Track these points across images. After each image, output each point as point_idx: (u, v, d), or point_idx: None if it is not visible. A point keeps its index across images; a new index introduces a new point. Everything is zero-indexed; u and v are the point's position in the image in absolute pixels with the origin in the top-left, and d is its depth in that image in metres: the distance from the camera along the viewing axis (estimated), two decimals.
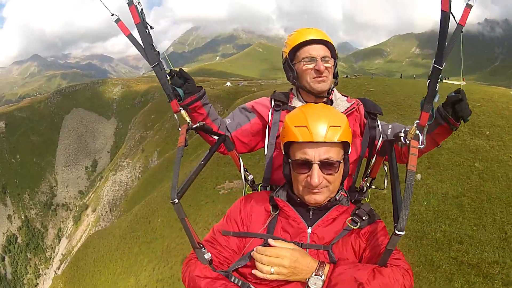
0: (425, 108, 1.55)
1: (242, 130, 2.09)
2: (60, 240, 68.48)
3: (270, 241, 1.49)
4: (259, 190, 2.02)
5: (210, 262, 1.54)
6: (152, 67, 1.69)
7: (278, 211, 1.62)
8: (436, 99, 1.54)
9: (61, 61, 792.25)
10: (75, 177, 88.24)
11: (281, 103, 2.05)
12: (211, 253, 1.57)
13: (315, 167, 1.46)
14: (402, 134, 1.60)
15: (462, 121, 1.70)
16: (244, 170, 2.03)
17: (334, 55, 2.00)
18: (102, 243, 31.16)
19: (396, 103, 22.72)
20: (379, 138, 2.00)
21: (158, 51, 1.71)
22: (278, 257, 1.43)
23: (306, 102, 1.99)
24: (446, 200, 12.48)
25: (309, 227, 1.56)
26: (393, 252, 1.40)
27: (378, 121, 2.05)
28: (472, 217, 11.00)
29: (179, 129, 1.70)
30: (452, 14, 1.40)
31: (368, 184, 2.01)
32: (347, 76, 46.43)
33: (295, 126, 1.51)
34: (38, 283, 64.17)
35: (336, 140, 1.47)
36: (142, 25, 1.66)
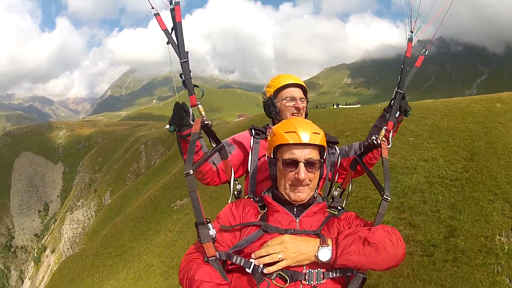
0: (391, 118, 2.09)
1: (225, 162, 2.27)
2: (23, 281, 68.38)
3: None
4: None
5: (214, 240, 1.59)
6: (181, 62, 1.88)
7: (266, 209, 1.79)
8: (397, 114, 2.12)
9: (5, 102, 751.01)
10: (30, 220, 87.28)
11: (260, 133, 2.41)
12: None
13: (301, 165, 1.69)
14: (374, 138, 2.07)
15: (404, 116, 2.21)
16: (234, 180, 2.24)
17: (306, 96, 2.49)
18: (77, 264, 35.96)
19: None
20: (338, 159, 2.41)
21: (188, 51, 1.87)
22: (279, 244, 1.56)
23: None
24: None
25: (297, 218, 1.74)
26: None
27: (336, 147, 2.45)
28: None
29: (191, 122, 1.94)
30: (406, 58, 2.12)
31: (339, 195, 2.25)
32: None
33: (285, 132, 1.75)
34: None
35: (317, 143, 1.74)
36: (180, 24, 1.87)
